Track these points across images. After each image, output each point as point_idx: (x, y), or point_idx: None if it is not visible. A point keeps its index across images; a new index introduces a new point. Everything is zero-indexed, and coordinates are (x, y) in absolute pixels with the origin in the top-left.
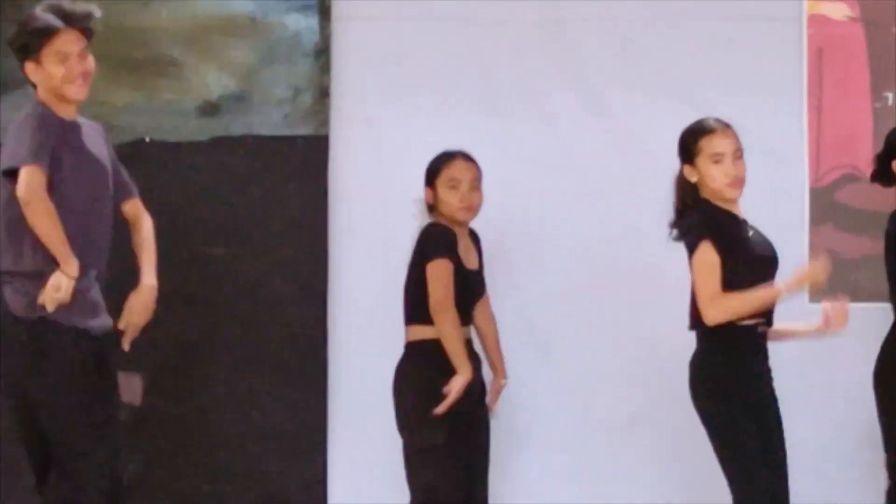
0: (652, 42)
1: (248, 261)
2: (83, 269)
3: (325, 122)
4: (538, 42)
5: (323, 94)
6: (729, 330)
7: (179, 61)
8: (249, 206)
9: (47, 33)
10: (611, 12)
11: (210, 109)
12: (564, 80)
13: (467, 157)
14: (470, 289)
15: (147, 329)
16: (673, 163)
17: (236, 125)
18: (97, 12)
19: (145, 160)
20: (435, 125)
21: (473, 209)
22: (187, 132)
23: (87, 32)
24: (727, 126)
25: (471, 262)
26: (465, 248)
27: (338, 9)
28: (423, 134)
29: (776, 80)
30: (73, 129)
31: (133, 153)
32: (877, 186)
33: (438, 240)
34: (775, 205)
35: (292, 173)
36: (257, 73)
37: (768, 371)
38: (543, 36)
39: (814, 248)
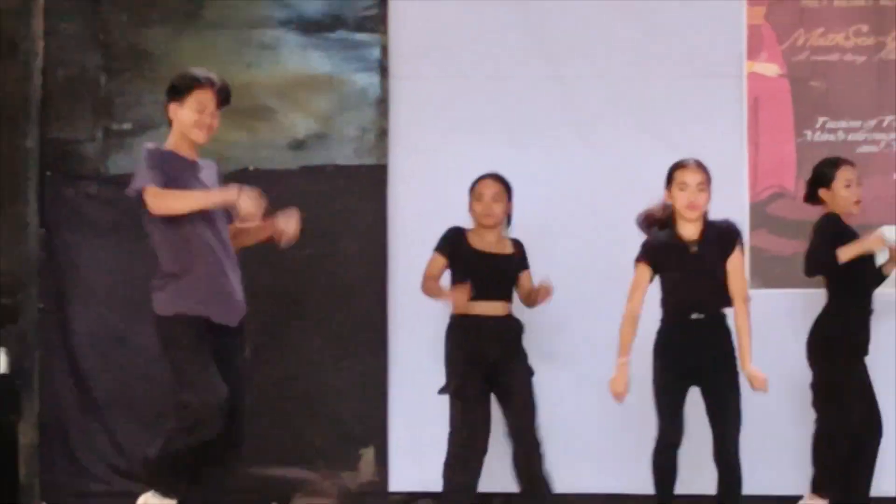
0: (633, 93)
1: (328, 260)
2: (226, 272)
3: (384, 154)
4: (547, 92)
5: (383, 133)
6: (667, 316)
7: (274, 109)
8: (329, 217)
9: (197, 82)
10: (601, 70)
11: (298, 145)
12: (567, 121)
13: (495, 177)
14: (492, 268)
15: (251, 311)
16: (648, 184)
17: (318, 157)
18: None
19: (249, 184)
20: (469, 156)
21: (492, 216)
22: (281, 162)
23: (223, 98)
24: (699, 164)
25: (497, 249)
26: (488, 242)
27: (394, 69)
28: (459, 162)
29: (724, 121)
30: (191, 166)
31: (240, 178)
32: (798, 202)
33: (440, 238)
34: (724, 215)
35: (361, 193)
36: (333, 117)
37: (702, 351)
38: (550, 88)
39: (752, 249)
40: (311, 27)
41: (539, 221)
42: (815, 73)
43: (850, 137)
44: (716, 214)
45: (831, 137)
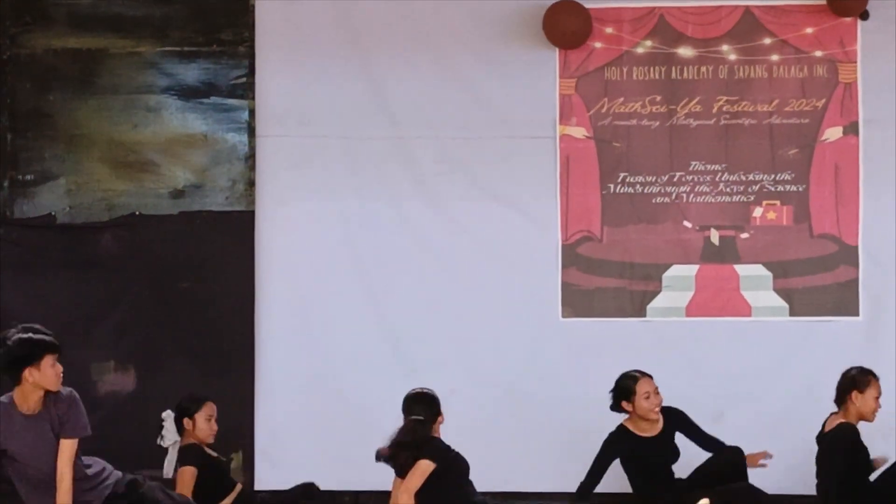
0: (463, 152)
1: (202, 291)
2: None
3: (252, 202)
4: (390, 151)
5: (251, 184)
6: None
7: (157, 162)
8: (204, 255)
9: (51, 347)
10: (437, 132)
11: (178, 194)
12: (407, 176)
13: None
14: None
15: (140, 338)
16: (476, 230)
17: (195, 204)
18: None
19: (136, 227)
20: (323, 203)
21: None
22: (163, 208)
23: (59, 351)
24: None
25: None
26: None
27: (260, 129)
28: (316, 209)
29: (542, 176)
30: (27, 418)
31: (128, 222)
32: (603, 244)
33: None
34: (540, 256)
35: (232, 235)
36: (208, 170)
37: None
38: (393, 147)
39: (563, 284)
40: (190, 93)
41: (380, 263)
42: (617, 136)
43: (647, 190)
44: (536, 254)
45: (630, 190)
